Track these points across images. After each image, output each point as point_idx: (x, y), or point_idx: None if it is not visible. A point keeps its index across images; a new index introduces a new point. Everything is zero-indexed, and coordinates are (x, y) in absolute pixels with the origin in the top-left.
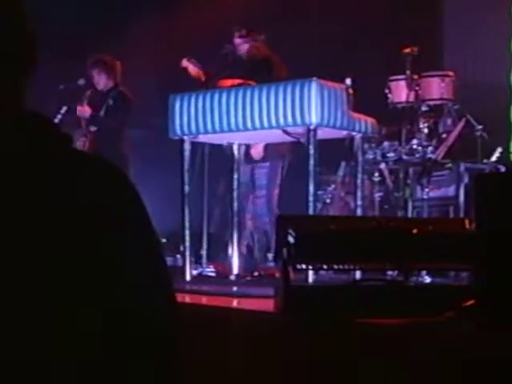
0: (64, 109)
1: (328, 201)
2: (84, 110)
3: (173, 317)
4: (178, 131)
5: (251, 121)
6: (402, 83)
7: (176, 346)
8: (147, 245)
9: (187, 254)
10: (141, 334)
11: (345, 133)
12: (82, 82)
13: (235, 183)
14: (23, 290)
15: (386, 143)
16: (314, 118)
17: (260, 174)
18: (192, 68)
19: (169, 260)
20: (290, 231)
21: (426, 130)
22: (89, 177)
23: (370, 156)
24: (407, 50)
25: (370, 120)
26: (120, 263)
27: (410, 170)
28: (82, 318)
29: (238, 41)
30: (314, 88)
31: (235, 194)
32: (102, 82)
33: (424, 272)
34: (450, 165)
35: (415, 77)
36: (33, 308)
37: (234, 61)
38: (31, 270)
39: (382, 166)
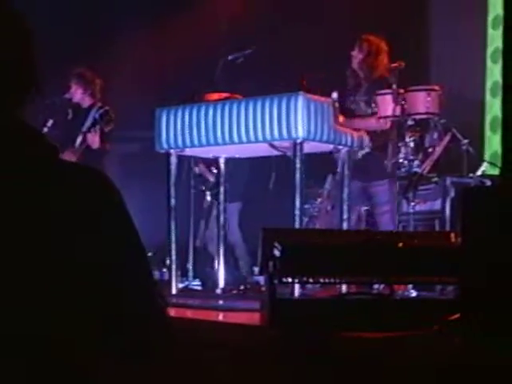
0: (50, 122)
1: (315, 214)
2: (95, 141)
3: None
4: (165, 145)
5: (237, 134)
6: (389, 97)
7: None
8: (132, 247)
9: (173, 267)
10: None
11: (331, 146)
12: (68, 96)
13: (221, 197)
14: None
15: None
16: (300, 132)
17: (380, 191)
18: None
19: (155, 274)
20: (276, 244)
21: (412, 144)
22: (76, 182)
23: None
24: (393, 65)
25: (356, 134)
26: (105, 263)
27: (396, 184)
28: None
29: (354, 54)
30: (300, 102)
31: (221, 207)
32: (77, 95)
33: (410, 286)
34: (436, 179)
35: (401, 91)
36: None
37: (354, 80)
38: (26, 270)
39: None
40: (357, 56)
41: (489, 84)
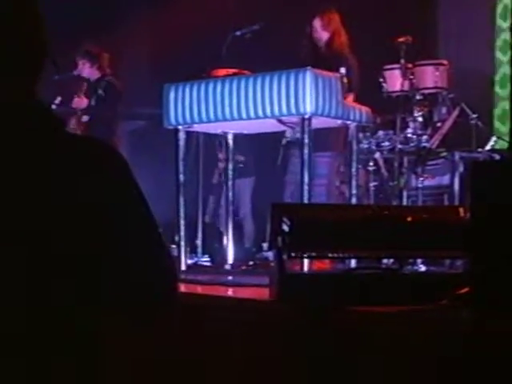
0: (58, 99)
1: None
2: (81, 102)
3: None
4: (173, 121)
5: (246, 110)
6: (397, 72)
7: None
8: (139, 217)
9: (182, 243)
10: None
11: (339, 122)
12: (76, 72)
13: (230, 173)
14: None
15: (380, 132)
16: (308, 108)
17: (321, 162)
18: None
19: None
20: (285, 219)
21: (420, 119)
22: (84, 154)
23: (364, 145)
24: (401, 39)
25: (364, 109)
26: (114, 238)
27: (405, 159)
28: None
29: (317, 28)
30: (308, 77)
31: (230, 183)
32: (85, 71)
33: (419, 260)
34: (444, 153)
35: (409, 66)
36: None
37: (312, 51)
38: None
39: (377, 155)
40: (321, 32)
41: (498, 58)
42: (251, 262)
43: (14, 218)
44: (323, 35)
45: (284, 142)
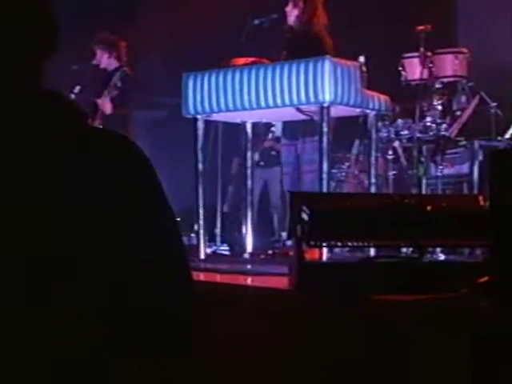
0: (77, 88)
1: (342, 179)
2: (106, 107)
3: (187, 292)
4: (192, 110)
5: (264, 99)
6: (416, 60)
7: (190, 320)
8: (161, 215)
9: (201, 232)
10: (152, 308)
11: (358, 110)
12: (95, 62)
13: (249, 162)
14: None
15: (399, 121)
16: (327, 96)
17: (311, 148)
18: None
19: (183, 239)
20: (304, 208)
21: (439, 108)
22: (104, 148)
23: (383, 134)
24: (421, 28)
25: (383, 97)
26: (134, 233)
27: (424, 148)
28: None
29: (288, 8)
30: (327, 66)
31: (249, 172)
32: (103, 60)
33: (438, 249)
34: (464, 142)
35: (429, 54)
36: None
37: (291, 35)
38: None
39: (396, 143)
40: (291, 12)
41: None
42: (270, 251)
43: (25, 218)
44: (294, 10)
45: (271, 136)
